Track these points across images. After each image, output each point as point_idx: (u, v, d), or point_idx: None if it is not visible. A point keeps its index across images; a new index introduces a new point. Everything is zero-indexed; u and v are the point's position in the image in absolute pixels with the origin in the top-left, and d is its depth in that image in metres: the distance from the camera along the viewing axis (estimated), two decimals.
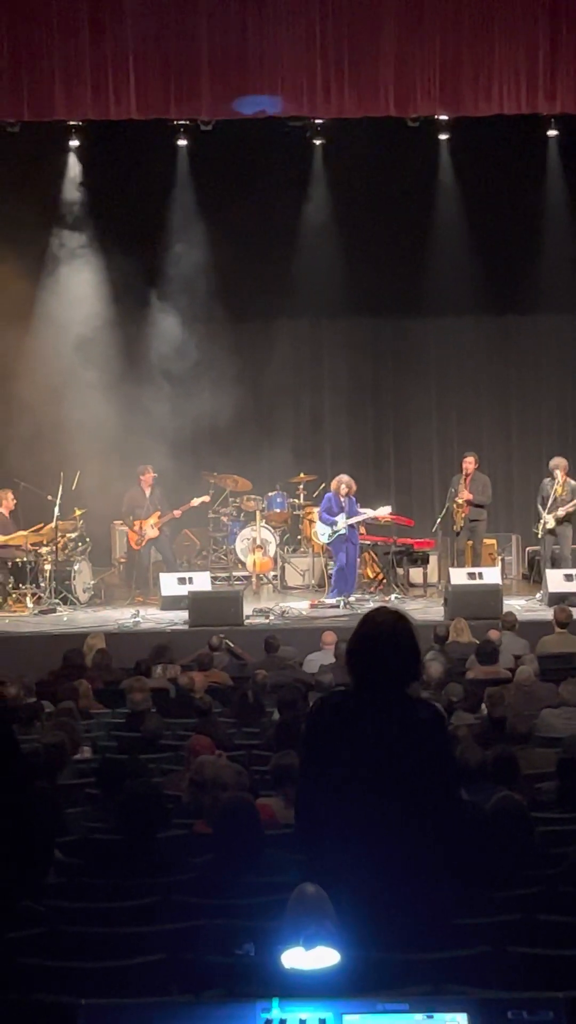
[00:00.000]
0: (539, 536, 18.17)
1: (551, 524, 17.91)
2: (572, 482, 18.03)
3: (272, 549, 19.45)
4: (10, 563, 18.18)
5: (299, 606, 17.70)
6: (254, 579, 19.36)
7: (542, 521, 17.99)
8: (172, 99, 17.17)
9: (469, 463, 18.55)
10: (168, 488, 19.07)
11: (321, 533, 18.07)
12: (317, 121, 18.93)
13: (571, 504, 17.89)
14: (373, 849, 4.71)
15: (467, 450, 19.16)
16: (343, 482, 17.99)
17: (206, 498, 19.08)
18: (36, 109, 17.14)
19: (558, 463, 18.08)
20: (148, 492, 18.62)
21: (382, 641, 4.92)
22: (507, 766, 8.24)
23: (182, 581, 17.59)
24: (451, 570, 17.66)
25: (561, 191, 20.51)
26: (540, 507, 18.11)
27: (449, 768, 4.99)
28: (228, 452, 20.68)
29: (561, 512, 17.84)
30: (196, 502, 18.85)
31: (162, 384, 19.97)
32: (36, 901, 5.99)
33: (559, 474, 17.94)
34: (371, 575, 19.21)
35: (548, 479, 18.16)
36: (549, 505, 17.90)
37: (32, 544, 18.27)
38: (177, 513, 18.69)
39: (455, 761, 5.32)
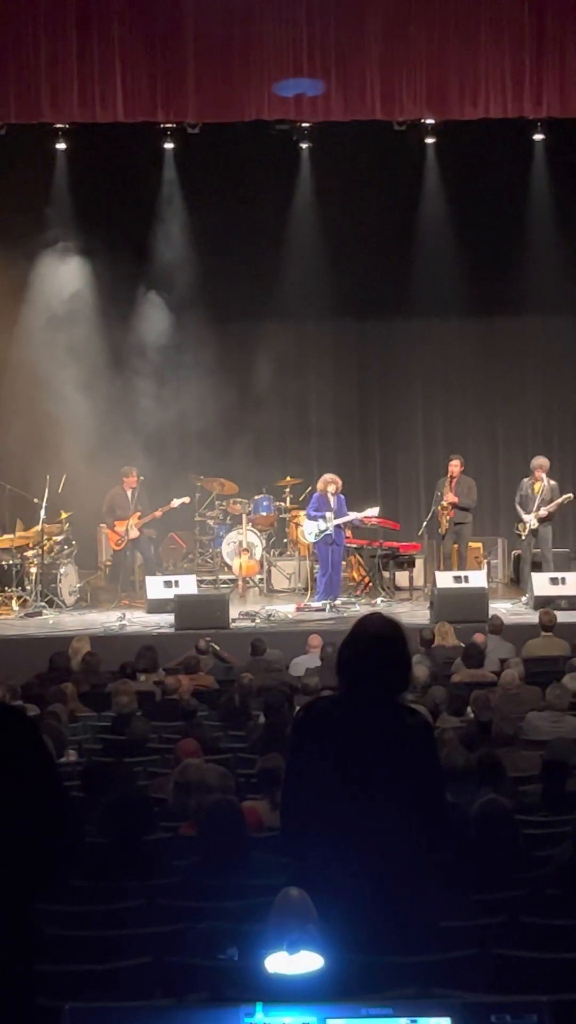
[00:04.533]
0: (523, 538, 18.17)
1: (534, 525, 17.93)
2: (552, 481, 18.08)
3: (258, 552, 19.44)
4: None
5: (285, 609, 17.69)
6: (240, 582, 19.35)
7: (525, 522, 17.99)
8: (159, 102, 17.18)
9: (455, 466, 18.56)
10: (153, 490, 19.06)
11: (308, 532, 18.02)
12: (303, 124, 18.91)
13: (554, 504, 17.93)
14: (358, 853, 4.72)
15: (453, 453, 19.19)
16: (329, 481, 17.96)
17: (186, 500, 19.05)
18: (22, 112, 17.13)
19: (541, 463, 18.09)
20: (130, 494, 18.62)
21: (374, 648, 4.92)
22: (492, 769, 8.27)
23: (168, 584, 17.59)
24: (437, 573, 17.66)
25: (547, 194, 20.53)
26: (519, 508, 18.13)
27: (435, 774, 5.00)
28: (214, 455, 20.66)
29: (543, 512, 17.85)
30: (176, 503, 18.82)
31: (149, 387, 19.99)
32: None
33: (541, 474, 17.95)
34: (357, 578, 19.20)
35: (527, 479, 18.18)
36: (535, 505, 17.89)
37: (17, 547, 18.26)
38: (158, 514, 18.70)
39: (441, 767, 5.31)
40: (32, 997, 4.59)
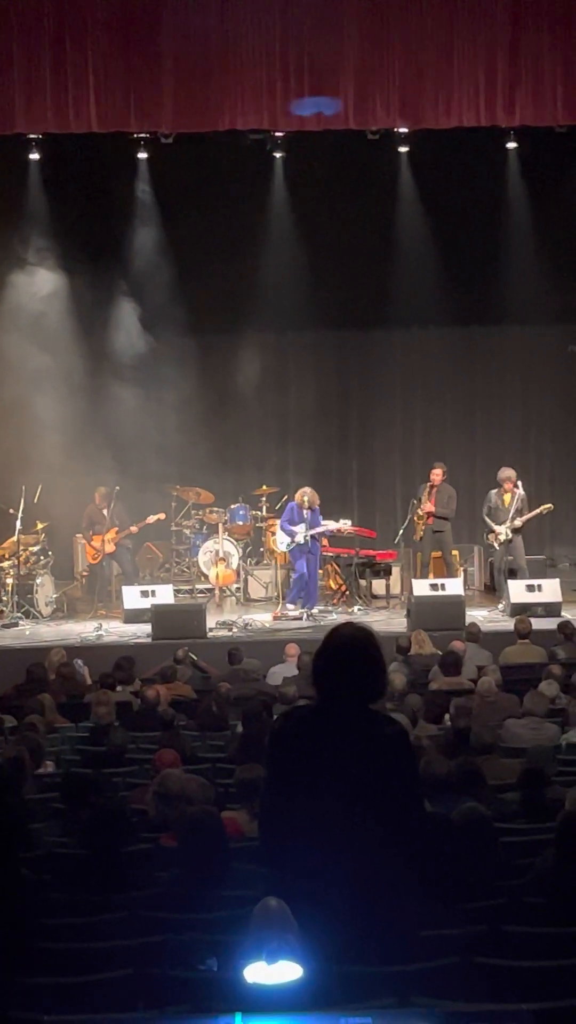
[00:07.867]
0: (497, 547, 18.11)
1: (508, 536, 17.92)
2: (520, 491, 18.08)
3: (235, 561, 19.41)
4: None
5: (262, 618, 17.68)
6: (217, 591, 19.33)
7: (497, 532, 17.94)
8: (133, 112, 17.15)
9: (436, 475, 18.44)
10: (131, 500, 19.02)
11: (280, 541, 18.09)
12: (277, 134, 18.91)
13: (532, 514, 17.97)
14: (337, 863, 4.71)
15: (434, 461, 19.10)
16: (306, 494, 17.95)
17: (161, 516, 19.03)
18: None
19: (509, 475, 18.08)
20: (104, 508, 18.59)
21: (347, 657, 4.92)
22: (471, 777, 8.26)
23: (145, 594, 17.55)
24: (414, 581, 17.65)
25: (521, 202, 20.58)
26: (488, 519, 18.10)
27: (413, 783, 4.99)
28: (191, 464, 20.64)
29: (519, 522, 17.87)
30: (152, 519, 18.81)
31: (125, 397, 19.96)
32: None
33: (510, 486, 17.97)
34: (334, 587, 19.19)
35: (495, 491, 18.17)
36: (509, 516, 17.89)
37: None
38: (134, 529, 18.67)
39: (419, 776, 5.31)
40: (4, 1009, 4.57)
